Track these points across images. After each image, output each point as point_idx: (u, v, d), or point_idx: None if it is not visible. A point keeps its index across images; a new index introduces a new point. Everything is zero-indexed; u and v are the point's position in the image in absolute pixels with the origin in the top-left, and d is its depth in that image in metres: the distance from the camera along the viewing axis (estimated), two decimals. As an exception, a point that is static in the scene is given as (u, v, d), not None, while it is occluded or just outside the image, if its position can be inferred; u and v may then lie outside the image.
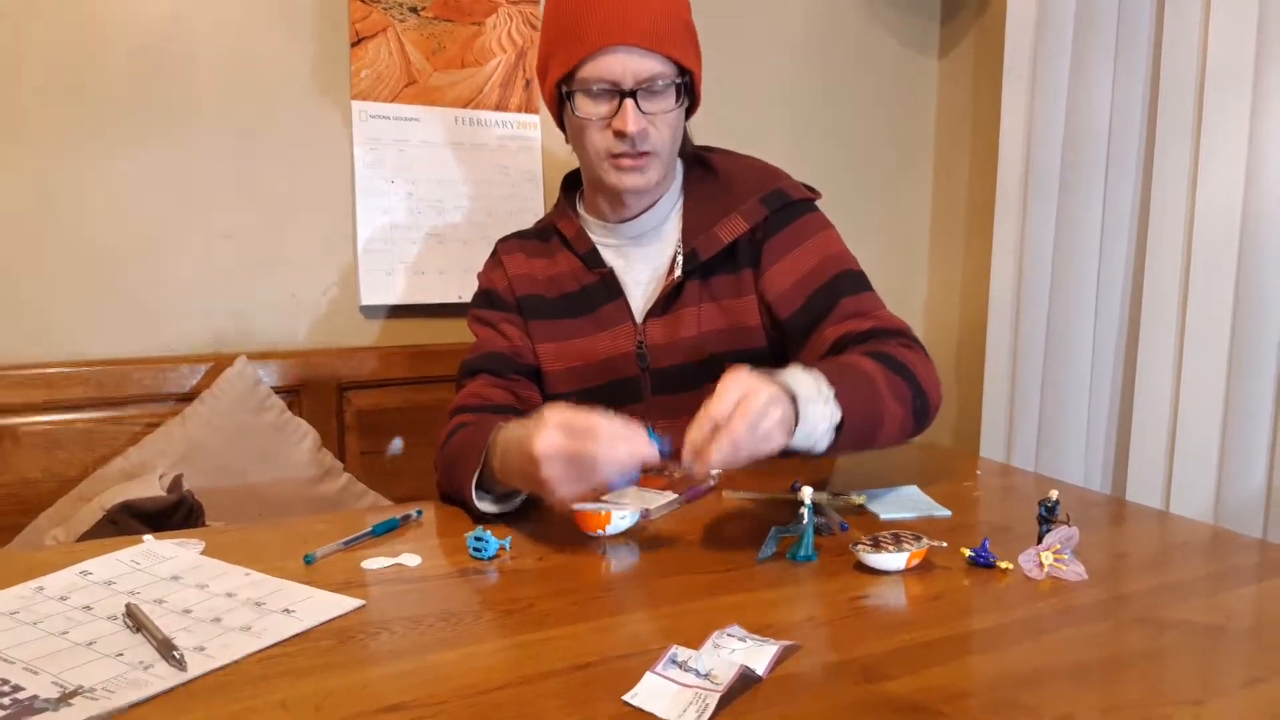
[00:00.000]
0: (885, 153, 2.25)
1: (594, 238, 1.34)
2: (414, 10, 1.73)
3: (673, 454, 0.93)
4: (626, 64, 1.18)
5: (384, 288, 1.76)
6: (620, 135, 1.20)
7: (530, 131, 1.85)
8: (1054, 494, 0.95)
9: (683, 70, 1.22)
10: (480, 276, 1.41)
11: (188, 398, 1.57)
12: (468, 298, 1.83)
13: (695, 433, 0.91)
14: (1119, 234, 1.83)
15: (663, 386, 1.29)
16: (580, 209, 1.38)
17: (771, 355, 1.28)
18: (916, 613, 0.82)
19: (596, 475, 0.91)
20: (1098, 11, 1.81)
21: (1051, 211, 1.90)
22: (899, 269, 2.29)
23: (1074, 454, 1.87)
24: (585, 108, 1.21)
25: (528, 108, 1.84)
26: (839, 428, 1.00)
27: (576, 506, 0.99)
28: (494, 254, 1.42)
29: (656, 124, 1.21)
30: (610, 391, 1.30)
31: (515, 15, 1.81)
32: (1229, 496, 1.62)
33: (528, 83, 1.84)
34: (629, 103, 1.18)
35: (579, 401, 1.32)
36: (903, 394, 1.10)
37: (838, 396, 1.00)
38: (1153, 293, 1.72)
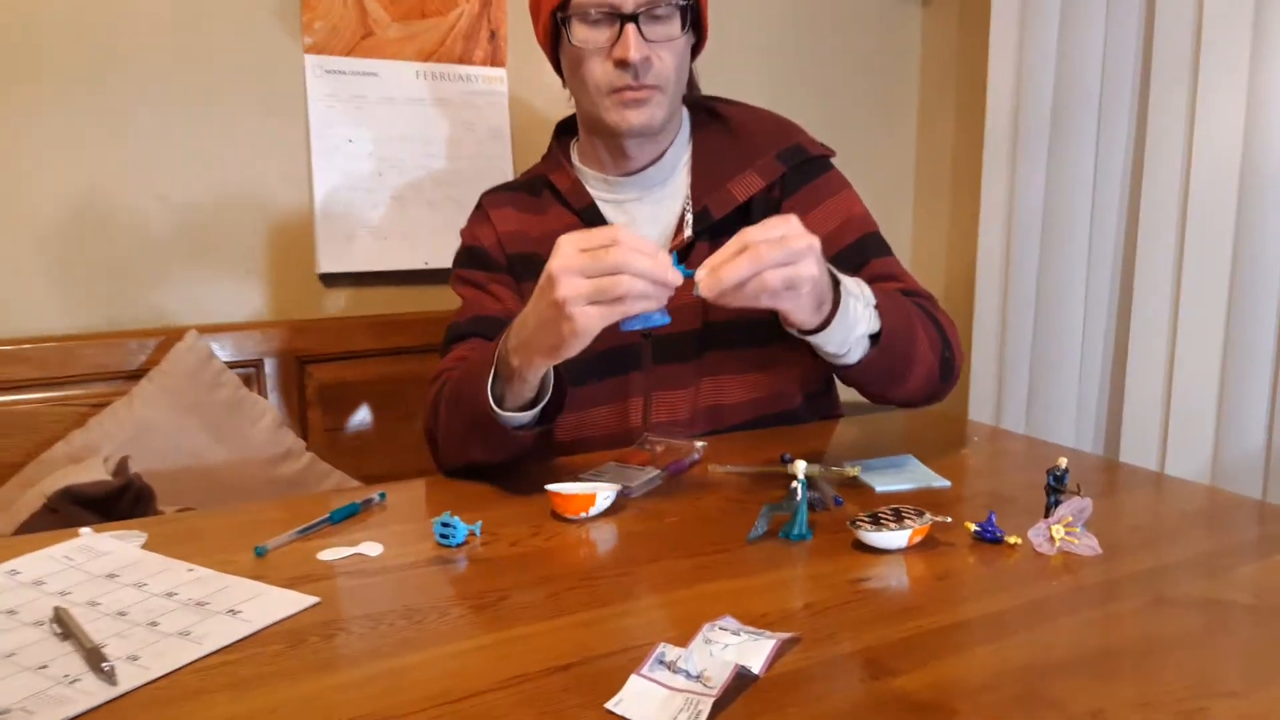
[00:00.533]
0: (867, 105, 2.18)
1: (592, 191, 1.24)
2: (369, -43, 1.63)
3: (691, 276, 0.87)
4: None
5: (344, 254, 1.67)
6: (622, 64, 1.11)
7: (497, 86, 1.76)
8: (1063, 462, 0.89)
9: None
10: (464, 233, 1.30)
11: (137, 375, 1.48)
12: (434, 264, 1.75)
13: (719, 253, 0.85)
14: (1112, 187, 1.77)
15: (665, 354, 1.21)
16: (575, 159, 1.28)
17: (776, 326, 1.19)
18: (922, 596, 0.76)
19: (619, 288, 0.83)
20: (1089, -47, 1.73)
21: (1041, 165, 1.83)
22: (882, 227, 2.22)
23: (1065, 415, 1.82)
24: (582, 34, 1.12)
25: (494, 60, 1.75)
26: (874, 341, 0.96)
27: (550, 488, 0.91)
28: (479, 208, 1.30)
29: (660, 53, 1.13)
30: (608, 359, 1.21)
31: (477, -38, 1.71)
32: (1226, 457, 1.58)
33: (493, 34, 1.74)
34: (630, 28, 1.10)
35: (574, 370, 1.23)
36: (935, 342, 1.07)
37: (880, 311, 0.97)
38: (1147, 247, 1.67)
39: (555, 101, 1.82)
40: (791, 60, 2.05)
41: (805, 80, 2.06)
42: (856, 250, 1.18)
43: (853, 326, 0.96)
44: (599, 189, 1.24)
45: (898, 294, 1.07)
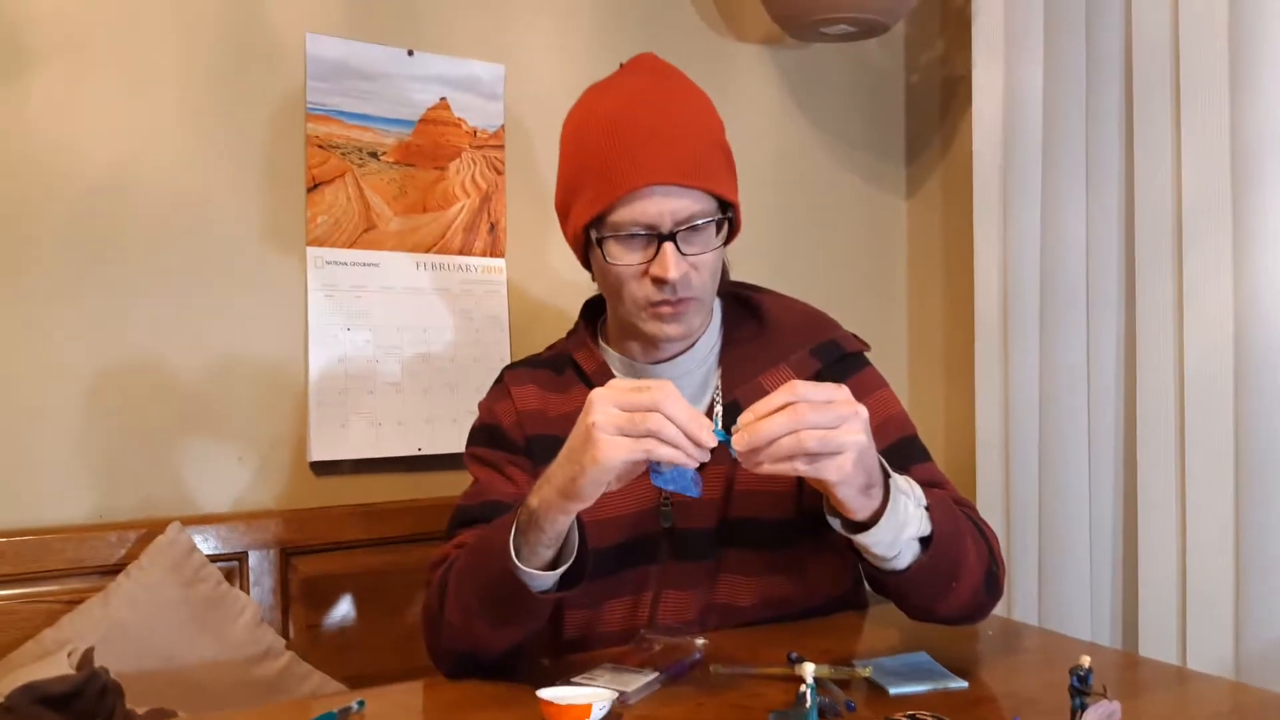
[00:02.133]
0: (856, 294, 2.22)
1: (618, 375, 1.19)
2: (374, 155, 1.69)
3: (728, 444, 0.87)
4: (664, 205, 1.06)
5: (337, 442, 1.65)
6: (660, 283, 1.08)
7: (496, 275, 1.79)
8: (1086, 661, 0.84)
9: (724, 205, 1.12)
10: (482, 407, 1.25)
11: (116, 569, 1.42)
12: (428, 450, 1.73)
13: (761, 403, 0.86)
14: (1106, 371, 1.77)
15: (683, 551, 1.15)
16: (603, 341, 1.25)
17: (803, 527, 1.14)
18: (947, 818, 0.70)
19: (650, 421, 0.84)
20: (1065, 147, 1.81)
21: (1034, 350, 1.85)
22: (879, 410, 2.23)
23: (1079, 605, 1.76)
24: (619, 255, 1.09)
25: (493, 251, 1.79)
26: (925, 544, 0.94)
27: (542, 695, 0.86)
28: (500, 383, 1.26)
29: (698, 266, 1.10)
30: (624, 552, 1.15)
31: (479, 160, 1.78)
32: (1249, 643, 1.51)
33: (493, 226, 1.79)
34: (668, 247, 1.06)
35: (591, 562, 1.18)
36: (982, 553, 1.03)
37: (930, 513, 0.94)
38: (1148, 430, 1.65)
39: (553, 289, 1.86)
40: (781, 251, 2.10)
41: (795, 270, 2.10)
42: (896, 454, 1.12)
43: (903, 525, 0.92)
44: (625, 373, 1.21)
45: (945, 498, 1.03)
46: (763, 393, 1.14)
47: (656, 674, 0.97)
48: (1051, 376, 1.82)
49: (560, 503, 0.91)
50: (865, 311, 2.21)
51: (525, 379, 1.24)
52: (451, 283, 1.75)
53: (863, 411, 0.88)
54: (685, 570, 1.15)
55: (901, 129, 2.29)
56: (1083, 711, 0.81)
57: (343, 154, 1.67)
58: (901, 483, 0.94)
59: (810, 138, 2.16)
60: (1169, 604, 1.61)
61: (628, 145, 1.07)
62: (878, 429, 1.14)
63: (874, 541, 0.93)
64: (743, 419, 0.87)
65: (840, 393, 0.88)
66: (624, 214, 1.07)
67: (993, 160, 1.92)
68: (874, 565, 0.97)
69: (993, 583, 1.04)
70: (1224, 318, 1.55)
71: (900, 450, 1.14)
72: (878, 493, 0.90)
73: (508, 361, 1.71)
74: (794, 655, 1.00)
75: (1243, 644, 1.52)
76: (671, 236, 1.07)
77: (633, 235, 1.08)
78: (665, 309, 1.11)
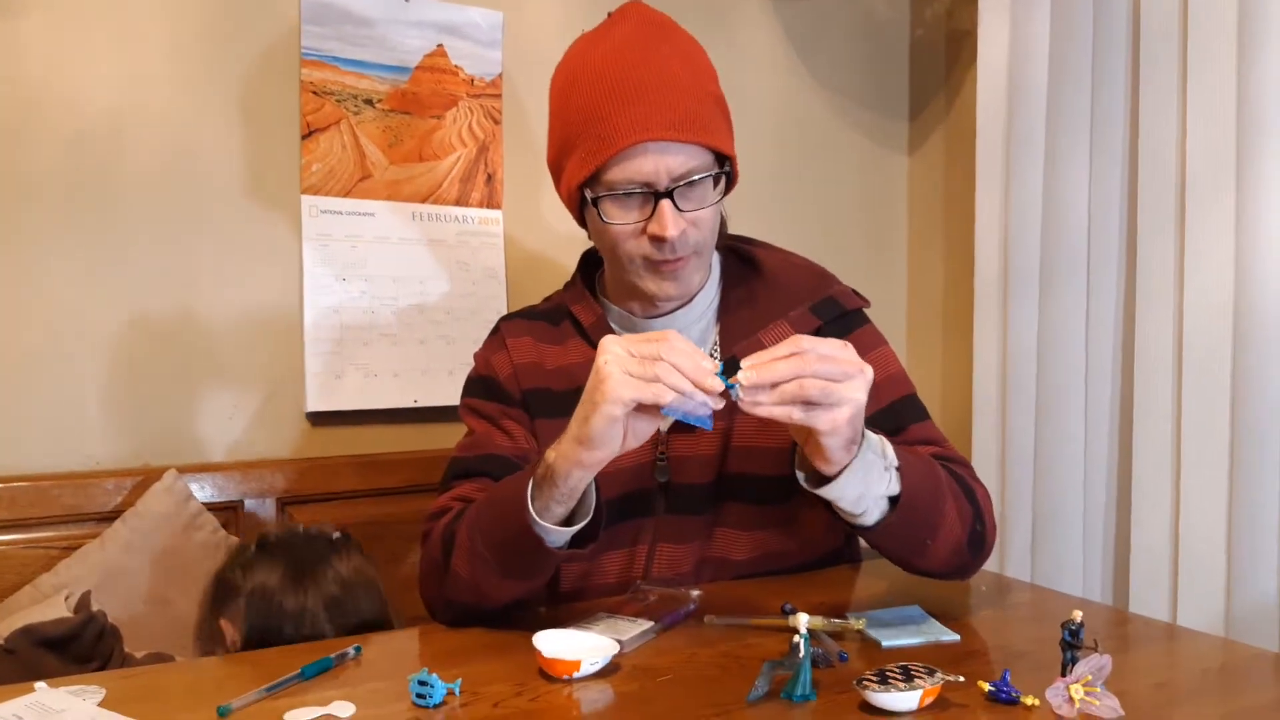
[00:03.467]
0: (858, 252, 2.21)
1: (615, 328, 1.19)
2: (369, 102, 1.67)
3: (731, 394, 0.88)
4: (660, 161, 1.04)
5: (333, 392, 1.64)
6: (658, 240, 1.06)
7: (493, 227, 1.77)
8: (1078, 615, 0.85)
9: (721, 157, 1.10)
10: (478, 358, 1.24)
11: (112, 516, 1.43)
12: (424, 402, 1.73)
13: (767, 351, 0.88)
14: (1105, 331, 1.77)
15: (677, 505, 1.15)
16: (600, 294, 1.24)
17: (794, 483, 1.15)
18: (938, 766, 0.71)
19: (657, 366, 0.87)
20: (1070, 106, 1.79)
21: (1033, 310, 1.84)
22: (875, 368, 2.23)
23: (1071, 562, 1.77)
24: (615, 214, 1.07)
25: (490, 203, 1.77)
26: (894, 505, 0.94)
27: (537, 642, 0.86)
28: (496, 333, 1.25)
29: (696, 222, 1.08)
30: (618, 506, 1.13)
31: (476, 109, 1.75)
32: (1239, 603, 1.52)
33: (490, 177, 1.77)
34: (665, 204, 1.04)
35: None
36: (965, 514, 1.02)
37: (901, 472, 0.95)
38: (1144, 391, 1.66)
39: (551, 241, 1.85)
40: (780, 207, 2.09)
41: (794, 226, 2.09)
42: (893, 412, 1.13)
43: (869, 483, 0.93)
44: (623, 328, 1.20)
45: (933, 461, 1.03)
46: (761, 348, 1.14)
47: (652, 624, 0.97)
48: (1050, 337, 1.81)
49: (576, 452, 0.91)
50: (865, 268, 2.20)
51: (521, 330, 1.23)
52: (448, 234, 1.74)
53: (868, 371, 0.90)
54: (681, 524, 1.15)
55: (905, 84, 2.26)
56: (1073, 665, 0.82)
57: (338, 100, 1.64)
58: (875, 443, 0.95)
59: (812, 91, 2.13)
60: (1161, 563, 1.62)
61: (618, 101, 1.04)
62: (876, 386, 1.14)
63: (838, 496, 0.94)
64: (749, 359, 0.88)
65: (848, 350, 0.90)
66: (618, 172, 1.05)
67: (997, 117, 1.90)
68: (846, 520, 0.98)
69: (977, 541, 1.04)
70: (1224, 281, 1.54)
71: (898, 408, 1.14)
72: (855, 449, 0.92)
73: (504, 314, 1.71)
74: (788, 607, 1.01)
75: (1233, 603, 1.53)
76: (669, 193, 1.05)
77: (628, 194, 1.06)
78: (664, 267, 1.09)
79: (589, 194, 1.09)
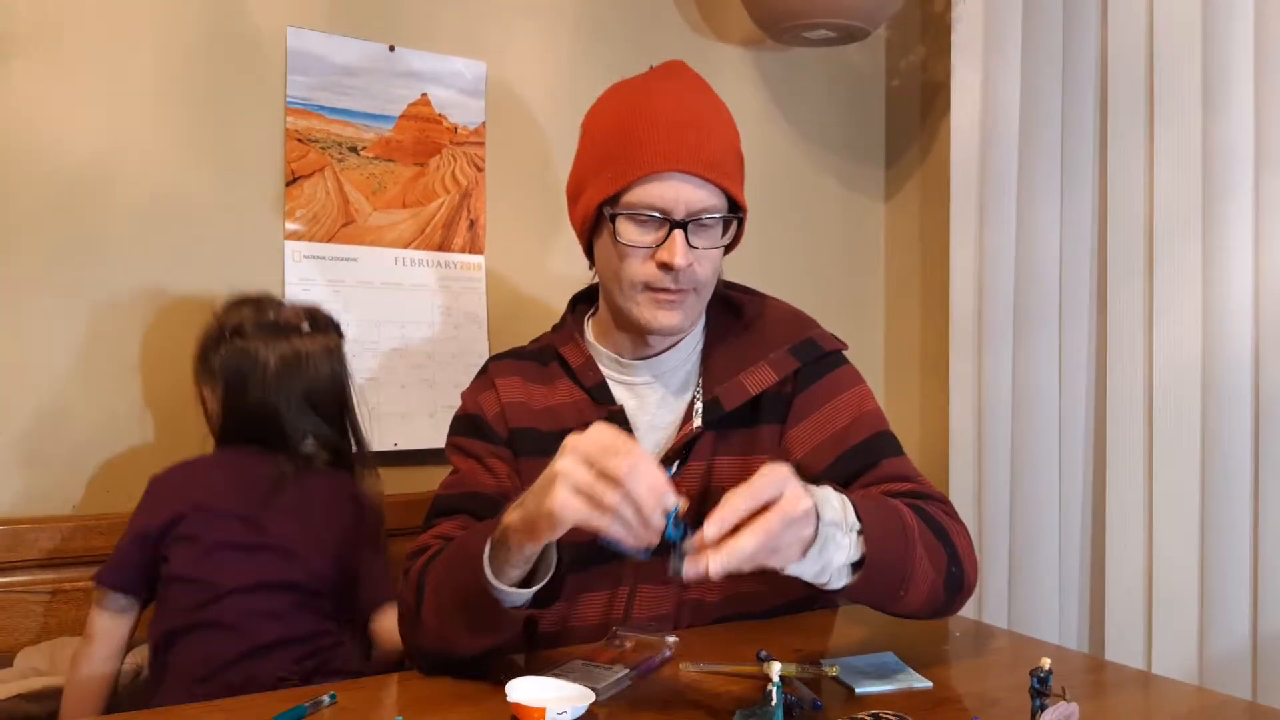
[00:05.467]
0: (836, 296, 2.23)
1: (603, 370, 1.22)
2: (354, 150, 1.69)
3: (681, 540, 0.86)
4: (681, 192, 1.10)
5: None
6: (665, 268, 1.11)
7: (474, 272, 1.79)
8: (1046, 663, 0.86)
9: (734, 206, 1.15)
10: (465, 397, 1.26)
11: (99, 559, 1.41)
12: (405, 445, 1.74)
13: (714, 525, 0.85)
14: (1078, 376, 1.80)
15: (660, 545, 1.17)
16: (590, 334, 1.26)
17: None
18: (907, 815, 0.71)
19: (614, 494, 0.84)
20: (1041, 155, 1.83)
21: (1007, 354, 1.87)
22: (854, 411, 2.24)
23: (1047, 607, 1.78)
24: (630, 234, 1.12)
25: (472, 248, 1.79)
26: (858, 568, 0.94)
27: (510, 690, 0.86)
28: (484, 373, 1.27)
29: (701, 260, 1.13)
30: (598, 546, 1.16)
31: (460, 156, 1.78)
32: (1213, 648, 1.54)
33: (472, 223, 1.79)
34: (678, 234, 1.10)
35: (565, 552, 1.19)
36: (938, 559, 1.02)
37: (865, 534, 0.94)
38: (1116, 435, 1.68)
39: (532, 286, 1.86)
40: (758, 252, 2.11)
41: (772, 270, 2.11)
42: (866, 450, 1.15)
43: (829, 558, 0.92)
44: (610, 368, 1.22)
45: (900, 509, 1.02)
46: (742, 392, 1.17)
47: (627, 671, 0.98)
48: (1024, 381, 1.84)
49: (526, 530, 0.92)
50: (842, 313, 2.22)
51: (510, 370, 1.25)
52: (430, 278, 1.75)
53: (810, 507, 0.89)
54: (663, 565, 1.16)
55: (881, 133, 2.31)
56: (1042, 712, 0.83)
57: (322, 148, 1.66)
58: (834, 510, 0.93)
59: (790, 140, 2.17)
60: (1135, 608, 1.63)
61: (654, 130, 1.10)
62: (850, 425, 1.17)
63: (797, 573, 0.92)
64: (709, 529, 0.85)
65: (777, 486, 0.87)
66: (641, 194, 1.10)
67: (970, 166, 1.93)
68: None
69: (954, 584, 1.04)
70: (1193, 327, 1.57)
71: (872, 446, 1.16)
72: (811, 549, 0.91)
73: (485, 358, 1.72)
74: (763, 654, 1.02)
75: (1207, 649, 1.54)
76: (684, 225, 1.10)
77: (646, 217, 1.11)
78: (662, 296, 1.13)
79: (608, 211, 1.13)
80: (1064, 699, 0.82)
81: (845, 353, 1.26)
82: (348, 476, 1.43)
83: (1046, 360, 1.81)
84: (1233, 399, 1.53)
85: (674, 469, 1.17)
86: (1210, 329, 1.55)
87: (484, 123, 1.80)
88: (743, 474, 1.14)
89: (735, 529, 0.85)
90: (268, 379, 1.34)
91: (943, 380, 2.02)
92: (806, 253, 2.19)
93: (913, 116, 2.26)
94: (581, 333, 1.26)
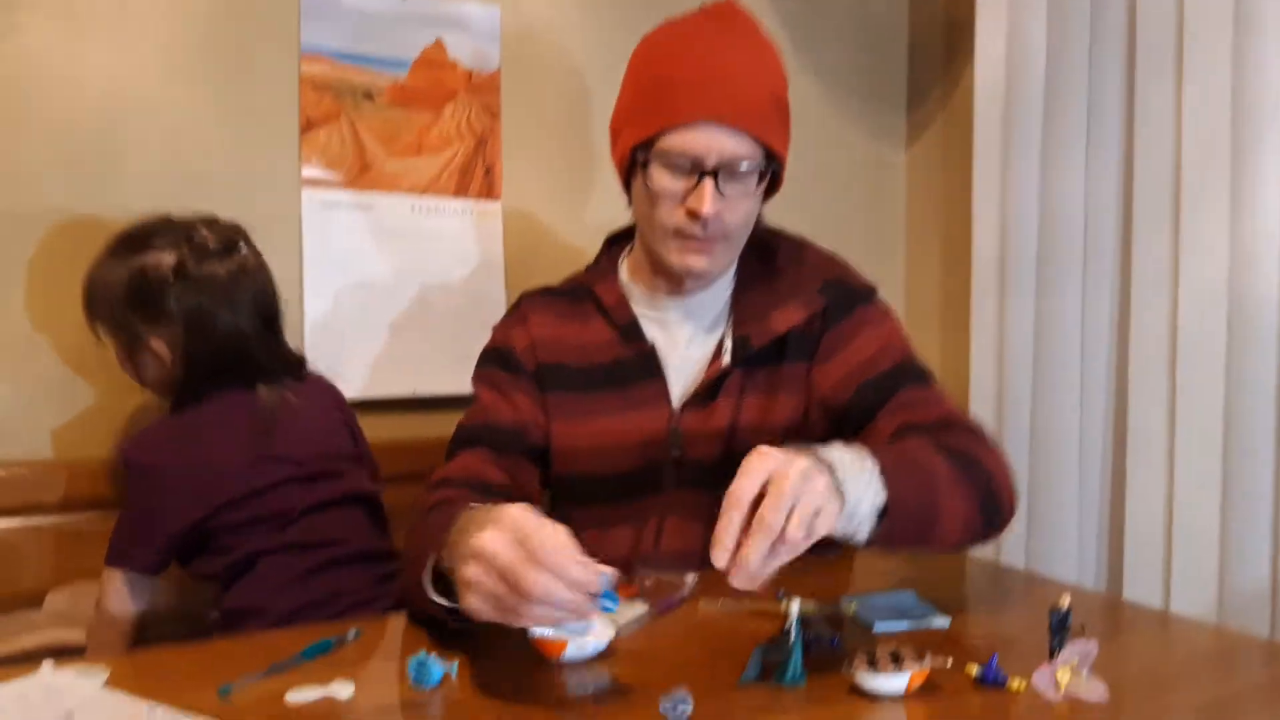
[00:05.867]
0: (854, 245, 2.18)
1: (635, 307, 1.23)
2: (369, 96, 1.67)
3: (613, 602, 0.80)
4: (713, 141, 1.09)
5: (333, 382, 1.65)
6: (693, 215, 1.11)
7: (491, 219, 1.78)
8: (1066, 601, 0.86)
9: (770, 155, 1.15)
10: (496, 330, 1.28)
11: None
12: (423, 391, 1.74)
13: (724, 530, 0.79)
14: (1101, 323, 1.78)
15: (689, 480, 1.18)
16: (624, 273, 1.28)
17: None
18: (925, 746, 0.72)
19: (524, 610, 0.76)
20: (1067, 98, 1.79)
21: (1030, 302, 1.85)
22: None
23: (1066, 549, 1.78)
24: (660, 180, 1.12)
25: (489, 194, 1.78)
26: (885, 514, 0.90)
27: (532, 632, 0.87)
28: (517, 308, 1.29)
29: (733, 207, 1.13)
30: (631, 479, 1.19)
31: (474, 103, 1.76)
32: (1232, 589, 1.54)
33: (488, 170, 1.78)
34: (708, 183, 1.10)
35: (594, 486, 1.20)
36: (968, 489, 0.99)
37: (885, 476, 0.90)
38: (1139, 381, 1.67)
39: (549, 232, 1.85)
40: (777, 198, 2.09)
41: (790, 218, 2.07)
42: (888, 379, 1.15)
43: (855, 507, 0.87)
44: (642, 305, 1.24)
45: (911, 446, 0.99)
46: (770, 329, 1.17)
47: (646, 608, 0.99)
48: (1047, 329, 1.82)
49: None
50: (862, 261, 2.18)
51: (543, 306, 1.27)
52: (447, 225, 1.75)
53: (809, 470, 0.81)
54: (690, 499, 1.18)
55: (903, 77, 2.27)
56: (1061, 650, 0.83)
57: (337, 95, 1.65)
58: (848, 464, 0.88)
59: (810, 84, 2.14)
60: (1155, 550, 1.63)
61: (689, 78, 1.10)
62: (875, 355, 1.16)
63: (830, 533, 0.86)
64: (716, 559, 0.80)
65: (764, 465, 0.81)
66: (673, 141, 1.10)
67: (994, 111, 1.90)
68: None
69: (991, 510, 1.01)
70: (1219, 271, 1.55)
71: (895, 375, 1.15)
72: (840, 494, 0.85)
73: (503, 305, 1.72)
74: (782, 592, 1.02)
75: (1226, 589, 1.54)
76: (714, 174, 1.10)
77: (678, 165, 1.11)
78: (692, 242, 1.14)
79: (640, 156, 1.13)
80: (1083, 636, 0.83)
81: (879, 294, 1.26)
82: (318, 379, 1.43)
83: (1070, 307, 1.79)
84: (1258, 342, 1.51)
85: (703, 405, 1.18)
86: (1237, 272, 1.53)
87: (499, 68, 1.78)
88: (767, 414, 1.16)
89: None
90: (233, 305, 1.30)
91: (963, 329, 2.00)
92: (825, 199, 2.17)
93: (935, 60, 2.22)
94: (616, 271, 1.28)
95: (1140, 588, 1.64)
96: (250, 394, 1.31)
